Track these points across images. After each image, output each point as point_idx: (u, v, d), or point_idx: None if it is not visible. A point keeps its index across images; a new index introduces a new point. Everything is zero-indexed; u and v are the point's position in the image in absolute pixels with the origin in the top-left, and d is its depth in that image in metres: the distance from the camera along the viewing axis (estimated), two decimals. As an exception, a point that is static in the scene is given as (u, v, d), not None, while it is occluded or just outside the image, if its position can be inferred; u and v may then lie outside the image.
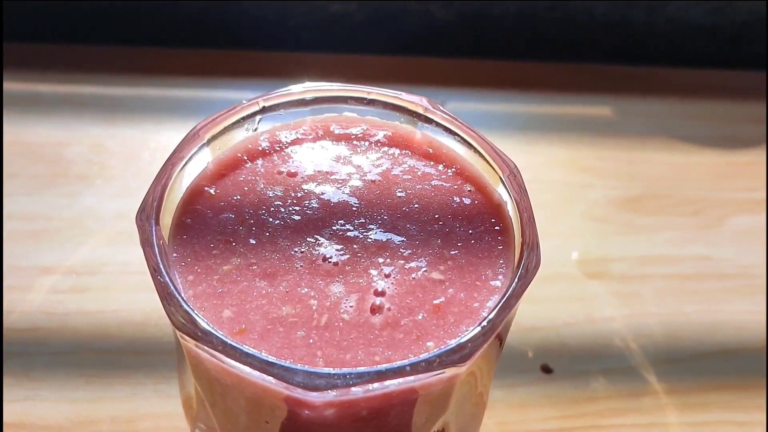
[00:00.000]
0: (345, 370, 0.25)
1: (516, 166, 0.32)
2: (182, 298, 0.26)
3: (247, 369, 0.25)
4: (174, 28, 0.65)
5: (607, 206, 0.55)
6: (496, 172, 0.32)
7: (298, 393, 0.26)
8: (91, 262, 0.47)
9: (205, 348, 0.26)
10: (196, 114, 0.57)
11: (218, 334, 0.25)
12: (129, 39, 0.64)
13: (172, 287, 0.27)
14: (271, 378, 0.25)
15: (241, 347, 0.25)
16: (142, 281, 0.46)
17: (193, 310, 0.26)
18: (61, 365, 0.42)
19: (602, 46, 0.69)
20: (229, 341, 0.25)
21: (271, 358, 0.25)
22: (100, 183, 0.51)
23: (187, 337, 0.26)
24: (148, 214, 0.28)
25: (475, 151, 0.33)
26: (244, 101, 0.33)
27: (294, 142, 0.33)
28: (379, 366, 0.26)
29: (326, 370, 0.26)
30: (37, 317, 0.44)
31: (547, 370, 0.45)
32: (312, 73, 0.61)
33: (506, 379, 0.43)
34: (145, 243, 0.28)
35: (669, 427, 0.43)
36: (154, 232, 0.28)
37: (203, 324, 0.26)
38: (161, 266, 0.27)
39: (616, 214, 0.55)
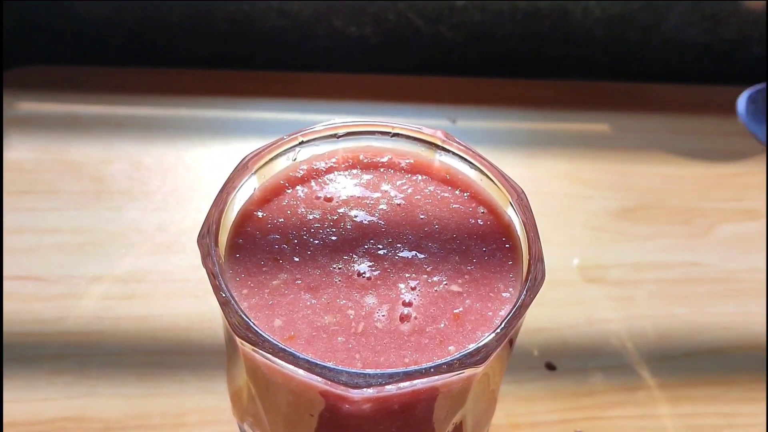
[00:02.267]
0: (380, 371, 0.29)
1: (523, 190, 0.35)
2: (240, 309, 0.31)
3: (298, 370, 0.29)
4: (199, 52, 0.68)
5: (605, 216, 0.57)
6: (506, 196, 0.35)
7: (341, 390, 0.29)
8: (136, 271, 0.50)
9: (262, 352, 0.29)
10: (224, 132, 0.61)
11: (274, 341, 0.29)
12: (157, 62, 0.68)
13: (232, 301, 0.30)
14: (318, 378, 0.29)
15: (294, 352, 0.29)
16: (184, 288, 0.51)
17: (251, 320, 0.30)
18: (114, 365, 0.45)
19: (600, 64, 0.71)
20: (283, 347, 0.29)
21: (319, 361, 0.29)
22: (140, 198, 0.54)
23: (246, 343, 0.30)
24: (208, 237, 0.32)
25: (487, 177, 0.36)
26: (284, 136, 0.36)
27: (328, 170, 0.37)
28: (408, 367, 0.30)
29: (365, 371, 0.29)
30: (90, 321, 0.47)
31: (550, 367, 0.48)
32: (330, 92, 0.64)
33: (514, 376, 0.46)
34: (207, 262, 0.31)
35: (661, 418, 0.46)
36: (214, 253, 0.32)
37: (261, 332, 0.30)
38: (222, 283, 0.31)
39: (613, 224, 0.57)
